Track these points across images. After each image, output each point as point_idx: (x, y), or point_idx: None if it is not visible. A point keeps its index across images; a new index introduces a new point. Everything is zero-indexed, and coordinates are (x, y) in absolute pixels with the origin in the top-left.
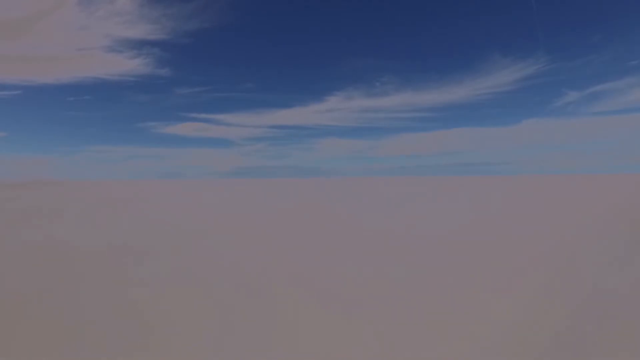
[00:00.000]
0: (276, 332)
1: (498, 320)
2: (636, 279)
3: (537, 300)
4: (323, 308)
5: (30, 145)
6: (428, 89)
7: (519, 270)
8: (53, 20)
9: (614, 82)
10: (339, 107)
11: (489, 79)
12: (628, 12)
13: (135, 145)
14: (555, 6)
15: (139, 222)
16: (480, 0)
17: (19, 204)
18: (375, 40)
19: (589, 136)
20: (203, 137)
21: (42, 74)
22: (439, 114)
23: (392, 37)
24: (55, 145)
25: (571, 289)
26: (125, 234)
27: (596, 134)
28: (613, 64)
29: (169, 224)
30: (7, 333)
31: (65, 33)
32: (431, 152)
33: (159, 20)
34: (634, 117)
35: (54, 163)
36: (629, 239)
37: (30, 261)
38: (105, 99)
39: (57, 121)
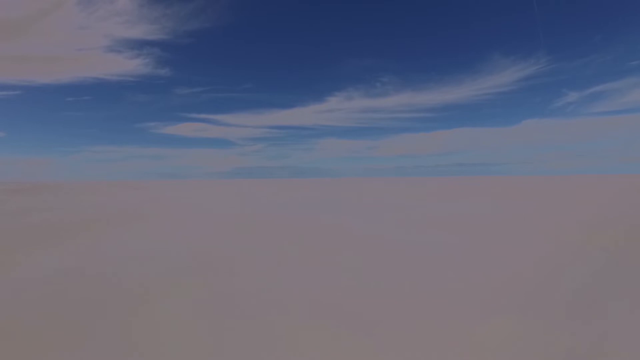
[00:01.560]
0: (270, 341)
1: (491, 334)
2: (629, 288)
3: (531, 310)
4: (319, 317)
5: (30, 145)
6: (428, 89)
7: (510, 279)
8: (53, 20)
9: (614, 83)
10: (339, 107)
11: (489, 79)
12: (628, 13)
13: (135, 145)
14: (555, 6)
15: (148, 238)
16: (481, 0)
17: (26, 214)
18: (375, 40)
19: (589, 136)
20: (203, 138)
21: (42, 74)
22: (439, 114)
23: (392, 37)
24: (55, 145)
25: (565, 299)
26: (132, 251)
27: (596, 135)
28: (613, 65)
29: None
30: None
31: (65, 33)
32: (431, 152)
33: (159, 20)
34: (634, 117)
35: (53, 164)
36: (625, 245)
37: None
38: (105, 99)
39: (56, 122)
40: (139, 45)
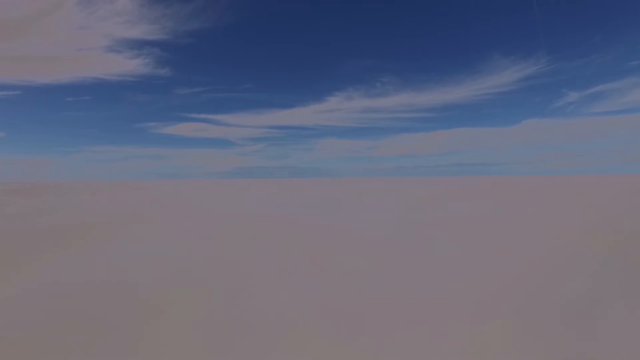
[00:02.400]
0: (271, 344)
1: (491, 336)
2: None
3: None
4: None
5: (30, 145)
6: (428, 89)
7: (510, 281)
8: (53, 20)
9: (614, 83)
10: (339, 107)
11: (489, 79)
12: (628, 13)
13: (135, 145)
14: (555, 6)
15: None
16: (480, 0)
17: (38, 218)
18: (375, 40)
19: (589, 136)
20: (202, 138)
21: (42, 74)
22: (439, 114)
23: (392, 37)
24: (55, 145)
25: (566, 299)
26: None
27: (596, 135)
28: (613, 65)
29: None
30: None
31: (65, 33)
32: (431, 152)
33: (159, 20)
34: (634, 117)
35: (53, 164)
36: (625, 246)
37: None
38: (105, 99)
39: (56, 121)
40: (139, 45)
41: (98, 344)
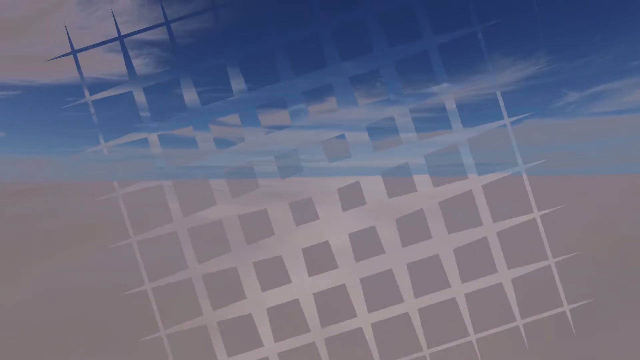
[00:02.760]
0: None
1: (492, 337)
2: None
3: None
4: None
5: (30, 145)
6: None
7: (512, 281)
8: (53, 20)
9: (614, 83)
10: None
11: (490, 79)
12: (628, 13)
13: (135, 145)
14: (556, 7)
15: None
16: (481, 0)
17: (48, 220)
18: (375, 40)
19: (589, 136)
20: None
21: (42, 74)
22: (439, 114)
23: (392, 37)
24: (55, 145)
25: (567, 300)
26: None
27: (596, 135)
28: (613, 65)
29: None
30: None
31: (65, 33)
32: (431, 153)
33: (159, 20)
34: (634, 117)
35: (53, 164)
36: (626, 246)
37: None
38: (105, 99)
39: (56, 122)
40: (139, 45)
41: (98, 344)
